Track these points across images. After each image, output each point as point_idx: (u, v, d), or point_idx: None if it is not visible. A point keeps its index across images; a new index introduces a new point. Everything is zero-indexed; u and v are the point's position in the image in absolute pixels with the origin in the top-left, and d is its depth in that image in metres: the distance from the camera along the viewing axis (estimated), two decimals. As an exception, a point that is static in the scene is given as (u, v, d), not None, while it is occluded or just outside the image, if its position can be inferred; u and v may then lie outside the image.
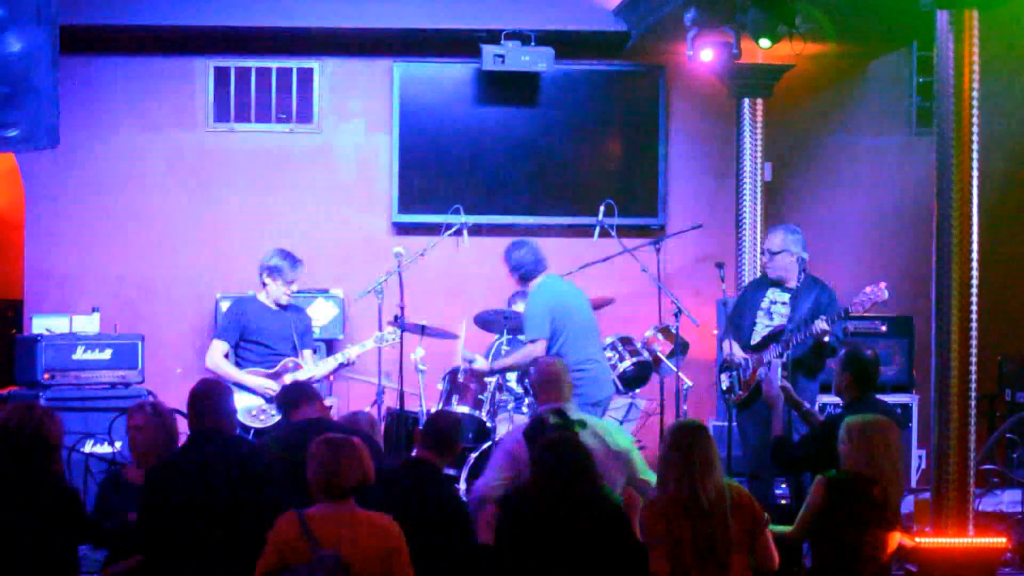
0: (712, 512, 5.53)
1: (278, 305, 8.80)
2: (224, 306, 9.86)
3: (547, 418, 6.24)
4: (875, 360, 6.98)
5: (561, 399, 6.85)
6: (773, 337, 8.15)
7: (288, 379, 8.42)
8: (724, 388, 8.42)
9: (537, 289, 8.53)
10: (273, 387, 8.51)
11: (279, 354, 8.73)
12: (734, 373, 8.34)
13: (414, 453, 6.46)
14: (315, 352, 9.07)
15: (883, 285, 7.60)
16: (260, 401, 8.60)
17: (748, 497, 5.70)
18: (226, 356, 8.73)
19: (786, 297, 8.24)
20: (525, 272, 8.55)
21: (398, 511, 5.46)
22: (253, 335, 8.72)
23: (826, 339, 7.84)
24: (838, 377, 7.01)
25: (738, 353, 8.31)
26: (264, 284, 8.80)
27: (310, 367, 8.80)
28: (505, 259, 8.58)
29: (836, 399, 7.70)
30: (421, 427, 6.56)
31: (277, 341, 8.76)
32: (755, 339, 8.28)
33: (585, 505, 5.52)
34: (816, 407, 8.12)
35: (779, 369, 7.86)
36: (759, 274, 10.40)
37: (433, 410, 8.81)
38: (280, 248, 8.86)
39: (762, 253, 8.72)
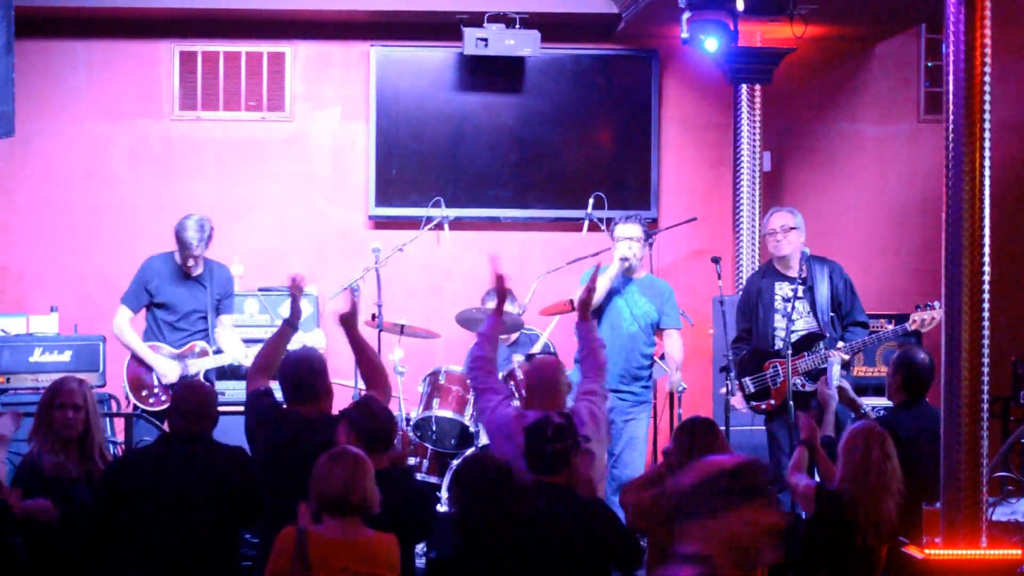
0: None
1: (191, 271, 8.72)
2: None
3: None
4: (928, 364, 7.08)
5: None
6: (805, 344, 8.23)
7: (192, 366, 8.41)
8: (749, 393, 8.43)
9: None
10: (172, 374, 8.51)
11: (183, 329, 8.65)
12: (761, 377, 8.35)
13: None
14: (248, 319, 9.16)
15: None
16: (154, 381, 8.63)
17: None
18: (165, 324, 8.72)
19: (799, 290, 8.26)
20: None
21: None
22: (159, 301, 8.67)
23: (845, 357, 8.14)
24: (889, 379, 7.12)
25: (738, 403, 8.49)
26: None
27: (227, 341, 8.71)
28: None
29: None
30: (346, 424, 5.84)
31: (185, 314, 8.67)
32: (778, 344, 8.29)
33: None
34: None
35: (836, 368, 7.95)
36: (758, 267, 10.35)
37: (414, 413, 8.79)
38: (195, 219, 8.68)
39: (770, 234, 8.54)
